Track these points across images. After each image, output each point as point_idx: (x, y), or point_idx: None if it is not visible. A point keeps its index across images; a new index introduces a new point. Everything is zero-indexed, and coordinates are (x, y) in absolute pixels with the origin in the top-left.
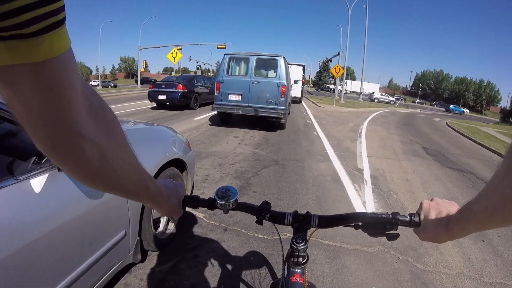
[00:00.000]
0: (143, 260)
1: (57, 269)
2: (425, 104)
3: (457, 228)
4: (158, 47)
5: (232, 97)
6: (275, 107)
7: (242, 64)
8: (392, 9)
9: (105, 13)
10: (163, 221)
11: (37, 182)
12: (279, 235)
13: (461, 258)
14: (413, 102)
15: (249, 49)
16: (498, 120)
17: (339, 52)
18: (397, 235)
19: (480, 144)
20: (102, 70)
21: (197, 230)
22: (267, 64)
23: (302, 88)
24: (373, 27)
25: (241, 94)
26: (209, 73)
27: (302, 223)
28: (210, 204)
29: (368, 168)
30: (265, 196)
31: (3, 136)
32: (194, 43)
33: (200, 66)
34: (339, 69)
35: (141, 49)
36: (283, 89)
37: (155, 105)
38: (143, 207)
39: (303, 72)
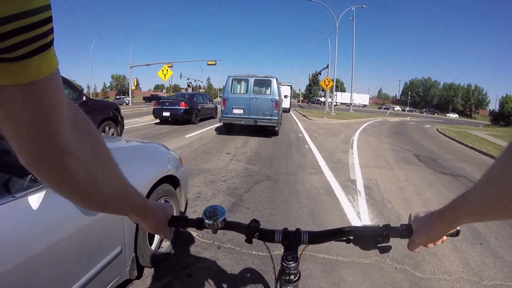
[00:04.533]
0: (139, 276)
1: (55, 286)
2: (415, 111)
3: (451, 216)
4: (149, 65)
5: (235, 111)
6: (270, 118)
7: (243, 83)
8: (379, 21)
9: (96, 31)
10: (157, 237)
11: (35, 199)
12: (270, 252)
13: (460, 263)
14: (403, 110)
15: (239, 66)
16: (489, 122)
17: (328, 65)
18: (389, 248)
19: (471, 147)
20: (93, 88)
21: (191, 248)
22: (263, 83)
23: (290, 102)
24: (361, 38)
25: (243, 108)
26: (200, 90)
27: (292, 240)
28: (198, 224)
29: (361, 179)
30: (258, 212)
31: None
32: (185, 60)
33: (190, 83)
34: (329, 81)
35: (132, 66)
36: (276, 103)
37: (159, 121)
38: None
39: (291, 90)
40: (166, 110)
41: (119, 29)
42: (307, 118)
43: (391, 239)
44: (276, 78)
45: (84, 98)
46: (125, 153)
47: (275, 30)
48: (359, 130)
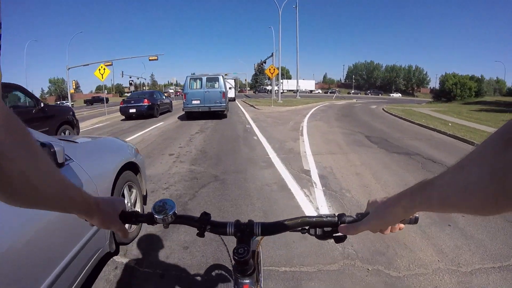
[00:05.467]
0: (116, 251)
1: (47, 258)
2: (360, 93)
3: (407, 201)
4: (87, 65)
5: (194, 102)
6: (220, 104)
7: (198, 81)
8: (321, 7)
9: (29, 32)
10: None
11: None
12: (226, 245)
13: (433, 251)
14: (348, 93)
15: (184, 60)
16: (431, 100)
17: (272, 53)
18: (344, 237)
19: (418, 124)
20: None
21: (132, 282)
22: (212, 80)
23: (235, 92)
24: (304, 26)
25: (200, 99)
26: (144, 87)
27: (244, 232)
28: (149, 219)
29: (315, 168)
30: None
31: None
32: (125, 57)
33: (132, 81)
34: (274, 69)
35: (69, 68)
36: (223, 94)
37: (124, 118)
38: None
39: (235, 82)
40: (132, 107)
41: (54, 28)
42: (255, 107)
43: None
44: (222, 75)
45: (42, 105)
46: (90, 146)
47: (218, 22)
48: (307, 116)
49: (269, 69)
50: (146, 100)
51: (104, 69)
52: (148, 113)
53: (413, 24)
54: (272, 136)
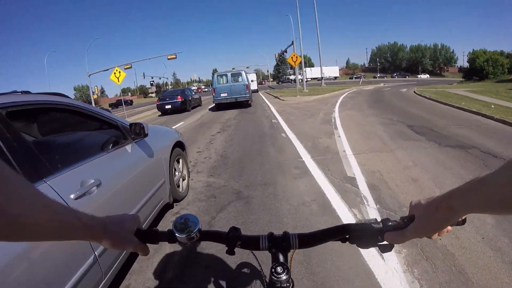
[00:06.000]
0: (172, 206)
1: (140, 191)
2: (386, 77)
3: (459, 202)
4: (107, 70)
5: (222, 95)
6: (244, 95)
7: (224, 77)
8: None
9: (47, 44)
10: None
11: (128, 148)
12: (258, 261)
13: None
14: (374, 77)
15: (202, 56)
16: (461, 79)
17: (292, 42)
18: (391, 246)
19: (459, 108)
20: None
21: None
22: (236, 75)
23: (257, 84)
24: (323, 11)
25: (227, 92)
26: (167, 87)
27: (280, 246)
28: (170, 237)
29: (361, 174)
30: (222, 272)
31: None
32: (143, 59)
33: (154, 81)
34: (296, 57)
35: (89, 74)
36: (247, 87)
37: (161, 114)
38: (170, 169)
39: (256, 76)
40: (168, 103)
41: (71, 38)
42: (279, 99)
43: None
44: (244, 71)
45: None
46: (151, 130)
47: (234, 15)
48: (337, 105)
49: (291, 58)
50: (179, 96)
51: (120, 72)
52: (182, 108)
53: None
54: (302, 131)
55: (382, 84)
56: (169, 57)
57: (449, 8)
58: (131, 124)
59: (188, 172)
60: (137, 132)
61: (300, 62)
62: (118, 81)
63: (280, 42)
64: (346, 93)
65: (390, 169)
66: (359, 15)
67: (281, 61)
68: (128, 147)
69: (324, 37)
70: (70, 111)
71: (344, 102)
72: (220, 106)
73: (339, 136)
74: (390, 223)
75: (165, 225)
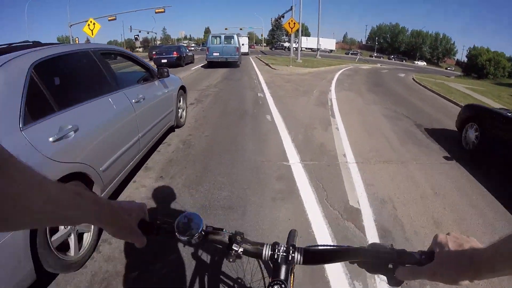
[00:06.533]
0: (174, 129)
1: (160, 111)
2: (383, 57)
3: (485, 266)
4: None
5: (214, 54)
6: (234, 56)
7: (217, 38)
8: None
9: None
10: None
11: (156, 83)
12: (263, 274)
13: None
14: (370, 56)
15: (193, 13)
16: (460, 73)
17: (291, 7)
18: (400, 282)
19: None
20: None
21: None
22: (229, 37)
23: (248, 47)
24: None
25: (219, 52)
26: (156, 42)
27: (282, 259)
28: (171, 234)
29: (368, 205)
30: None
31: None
32: (130, 11)
33: (138, 36)
34: (294, 23)
35: (71, 25)
36: (237, 49)
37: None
38: (176, 102)
39: (248, 40)
40: (164, 58)
41: None
42: (270, 67)
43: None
44: (237, 34)
45: None
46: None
47: None
48: (333, 82)
49: (289, 23)
50: (175, 52)
51: (94, 24)
52: (176, 63)
53: None
54: (292, 113)
55: (379, 65)
56: (157, 10)
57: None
58: (158, 68)
59: (186, 107)
60: (161, 73)
61: (297, 30)
62: (92, 34)
63: (277, 6)
64: (342, 70)
65: (405, 198)
66: None
67: (276, 26)
68: (156, 82)
69: (324, 7)
70: (126, 57)
71: (341, 80)
72: (212, 64)
73: (337, 129)
74: (405, 257)
75: (164, 148)
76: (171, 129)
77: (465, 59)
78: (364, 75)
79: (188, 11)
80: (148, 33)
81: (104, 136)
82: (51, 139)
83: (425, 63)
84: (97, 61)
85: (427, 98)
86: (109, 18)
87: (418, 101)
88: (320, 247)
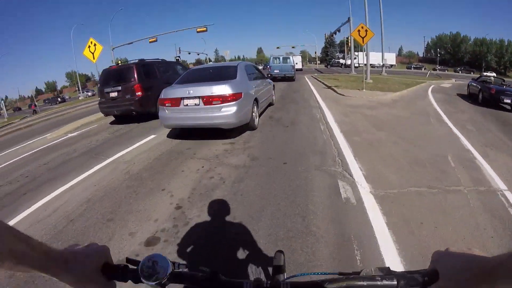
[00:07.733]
0: (273, 103)
1: (269, 93)
2: (447, 70)
3: (489, 279)
4: (131, 43)
5: (275, 71)
6: (290, 72)
7: (277, 59)
8: None
9: (74, 17)
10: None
11: (268, 81)
12: None
13: None
14: (434, 69)
15: (235, 31)
16: None
17: (349, 18)
18: None
19: None
20: (97, 75)
21: None
22: (286, 58)
23: (302, 64)
24: None
25: (279, 70)
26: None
27: None
28: (137, 279)
29: None
30: None
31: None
32: (171, 31)
33: (179, 57)
34: (366, 31)
35: (113, 48)
36: (293, 67)
37: None
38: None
39: (301, 59)
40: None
41: (97, 10)
42: (336, 92)
43: None
44: (291, 56)
45: None
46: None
47: None
48: (443, 116)
49: (358, 31)
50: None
51: (95, 45)
52: None
53: None
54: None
55: (453, 80)
56: (198, 30)
57: None
58: (268, 73)
59: (274, 94)
60: (269, 76)
61: (363, 39)
62: (94, 58)
63: (329, 23)
64: (428, 91)
65: None
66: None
67: (329, 43)
68: (268, 81)
69: (372, 18)
70: (255, 68)
71: (449, 112)
72: (274, 79)
73: None
74: (407, 281)
75: (265, 120)
76: (270, 105)
77: None
78: (464, 100)
79: (238, 31)
80: (198, 54)
81: (262, 91)
82: (253, 86)
83: (494, 73)
84: (257, 68)
85: None
86: (150, 40)
87: None
88: (309, 276)
